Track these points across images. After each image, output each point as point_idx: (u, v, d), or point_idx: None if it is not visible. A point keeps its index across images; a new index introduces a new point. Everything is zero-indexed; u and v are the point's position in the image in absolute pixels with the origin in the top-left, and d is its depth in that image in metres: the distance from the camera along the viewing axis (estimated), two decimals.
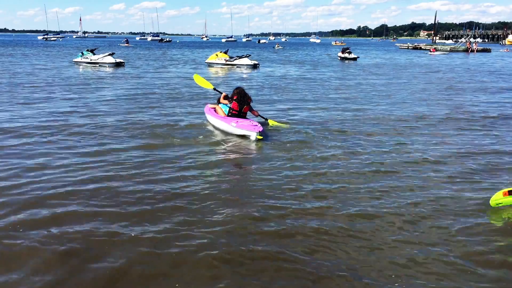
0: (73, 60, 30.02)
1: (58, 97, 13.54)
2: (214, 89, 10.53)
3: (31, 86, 15.99)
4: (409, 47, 76.77)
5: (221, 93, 9.72)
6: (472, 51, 58.86)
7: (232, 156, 7.26)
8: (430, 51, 54.86)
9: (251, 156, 7.29)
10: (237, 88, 9.10)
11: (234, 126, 8.30)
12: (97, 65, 27.23)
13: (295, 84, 18.75)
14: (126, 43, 72.07)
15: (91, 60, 28.03)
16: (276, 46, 75.53)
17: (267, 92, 15.67)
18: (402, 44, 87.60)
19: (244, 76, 22.76)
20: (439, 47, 63.08)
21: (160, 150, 7.36)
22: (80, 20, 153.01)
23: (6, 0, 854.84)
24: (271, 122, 9.49)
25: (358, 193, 5.53)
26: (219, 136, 8.44)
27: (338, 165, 6.60)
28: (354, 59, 38.50)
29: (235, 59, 28.88)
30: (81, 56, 29.08)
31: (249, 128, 8.10)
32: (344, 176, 6.14)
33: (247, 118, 8.85)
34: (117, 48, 50.64)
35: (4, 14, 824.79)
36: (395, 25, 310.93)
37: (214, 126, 9.13)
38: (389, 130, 9.34)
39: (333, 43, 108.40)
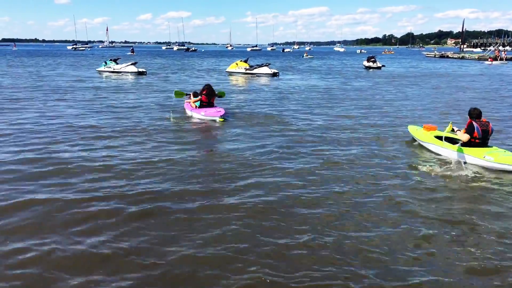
0: (97, 69, 30.64)
1: (74, 103, 13.79)
2: (186, 94, 13.07)
3: (54, 93, 16.32)
4: (436, 56, 75.38)
5: (190, 94, 12.67)
6: (501, 59, 57.13)
7: (204, 133, 10.03)
8: (488, 61, 53.82)
9: (216, 131, 10.19)
10: (206, 85, 12.08)
11: (203, 115, 11.44)
12: (120, 74, 27.68)
13: (307, 91, 18.58)
14: (132, 52, 72.92)
15: (114, 69, 28.53)
16: (305, 55, 74.05)
17: (273, 100, 15.60)
18: (429, 53, 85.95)
19: (264, 84, 22.66)
20: (502, 55, 60.24)
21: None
22: (107, 30, 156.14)
23: (37, 11, 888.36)
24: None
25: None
26: (195, 121, 11.37)
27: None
28: (379, 67, 38.02)
29: (255, 68, 28.87)
30: (105, 66, 29.64)
31: (214, 114, 11.31)
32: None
33: (214, 106, 11.89)
34: (125, 58, 50.81)
35: (35, 24, 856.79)
36: (422, 33, 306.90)
37: (190, 116, 11.98)
38: None
39: (383, 52, 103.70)
